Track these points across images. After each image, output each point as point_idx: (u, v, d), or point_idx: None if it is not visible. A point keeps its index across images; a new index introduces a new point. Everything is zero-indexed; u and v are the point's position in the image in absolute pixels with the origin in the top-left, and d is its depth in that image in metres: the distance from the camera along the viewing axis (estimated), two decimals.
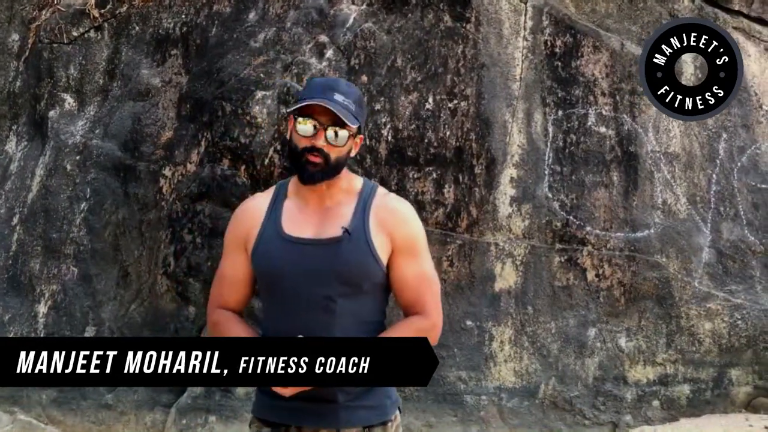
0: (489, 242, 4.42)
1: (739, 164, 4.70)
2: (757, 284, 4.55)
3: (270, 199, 2.01)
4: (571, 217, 4.46)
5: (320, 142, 1.86)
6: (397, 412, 2.00)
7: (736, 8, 4.92)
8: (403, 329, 1.93)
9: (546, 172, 4.52)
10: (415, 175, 4.41)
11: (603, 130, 4.61)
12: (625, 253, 4.46)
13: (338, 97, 1.87)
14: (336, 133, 1.87)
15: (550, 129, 4.59)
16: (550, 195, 4.49)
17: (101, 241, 4.46)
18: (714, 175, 4.65)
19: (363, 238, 1.89)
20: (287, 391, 1.79)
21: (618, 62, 4.72)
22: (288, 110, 1.95)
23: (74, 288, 4.41)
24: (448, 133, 4.47)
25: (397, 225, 1.95)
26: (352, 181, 2.01)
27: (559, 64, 4.69)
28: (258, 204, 2.02)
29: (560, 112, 4.62)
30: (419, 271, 1.97)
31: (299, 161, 1.89)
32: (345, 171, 1.99)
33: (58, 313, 4.40)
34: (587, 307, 4.42)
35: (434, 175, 4.42)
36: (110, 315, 4.39)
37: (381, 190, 2.02)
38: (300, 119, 1.88)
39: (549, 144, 4.57)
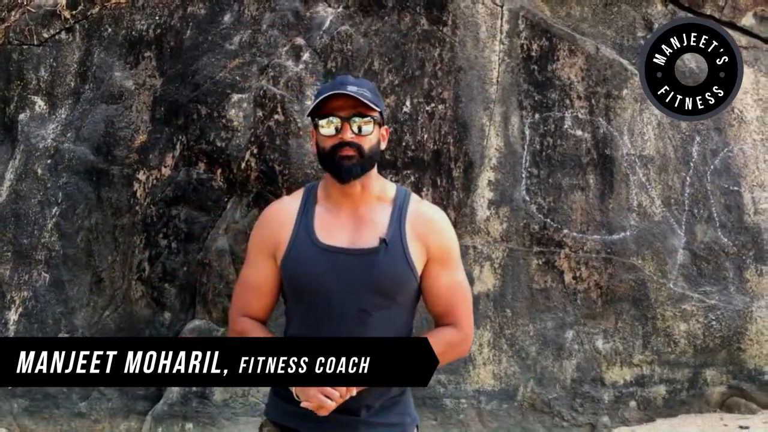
0: (467, 245, 4.42)
1: (712, 167, 4.76)
2: (730, 285, 4.61)
3: (299, 203, 1.93)
4: (549, 220, 4.48)
5: (348, 135, 1.82)
6: (415, 430, 1.96)
7: (708, 13, 4.99)
8: (434, 341, 1.89)
9: (523, 175, 4.54)
10: (393, 179, 4.39)
11: (579, 133, 4.64)
12: (601, 255, 4.49)
13: (351, 88, 1.84)
14: (361, 123, 1.84)
15: (527, 132, 4.61)
16: (527, 198, 4.51)
17: (73, 246, 4.38)
18: (688, 178, 4.71)
19: (400, 248, 1.85)
20: (323, 411, 1.73)
21: (593, 66, 4.75)
22: (308, 114, 1.89)
23: (46, 294, 4.32)
24: (425, 136, 4.46)
25: (433, 234, 1.91)
26: (385, 187, 1.96)
27: (536, 67, 4.72)
28: (287, 208, 1.94)
29: (537, 116, 4.64)
30: (454, 282, 1.94)
31: (332, 161, 1.84)
32: (377, 174, 1.96)
33: (29, 320, 4.30)
34: (565, 309, 4.44)
35: (412, 179, 4.42)
36: (83, 322, 4.31)
37: (414, 197, 1.98)
38: (321, 122, 1.84)
39: (526, 147, 4.59)
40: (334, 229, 1.86)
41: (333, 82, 1.92)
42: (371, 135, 1.86)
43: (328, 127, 1.84)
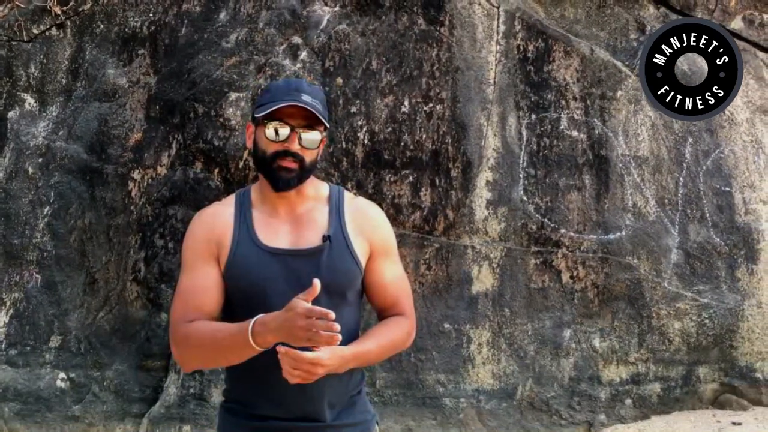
0: (466, 245, 4.43)
1: (704, 167, 4.83)
2: (722, 284, 4.69)
3: (233, 209, 1.88)
4: (546, 220, 4.51)
5: (295, 146, 1.78)
6: (376, 427, 1.97)
7: (699, 16, 5.07)
8: (393, 331, 1.91)
9: (521, 176, 4.56)
10: (392, 179, 4.39)
11: (575, 134, 4.68)
12: (598, 255, 4.53)
13: (305, 97, 1.80)
14: (309, 136, 1.80)
15: (524, 133, 4.64)
16: (525, 198, 4.54)
17: (66, 246, 4.30)
18: (681, 179, 4.77)
19: (344, 244, 1.85)
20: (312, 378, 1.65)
21: (588, 67, 4.80)
22: (258, 115, 1.80)
23: (38, 296, 4.24)
24: (424, 136, 4.46)
25: (374, 229, 1.93)
26: (319, 187, 1.95)
27: (532, 68, 4.75)
28: (222, 212, 1.88)
29: (533, 116, 4.67)
30: (397, 274, 1.98)
31: (271, 168, 1.80)
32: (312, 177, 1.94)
33: (20, 322, 4.22)
34: (562, 308, 4.48)
35: (411, 179, 4.41)
36: (77, 323, 4.24)
37: (348, 194, 1.99)
38: (270, 124, 1.78)
39: (523, 147, 4.62)
40: (275, 232, 1.84)
41: (286, 85, 1.87)
42: (315, 149, 1.84)
43: (275, 131, 1.78)
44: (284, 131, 1.78)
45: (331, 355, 1.65)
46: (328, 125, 1.85)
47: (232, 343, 1.65)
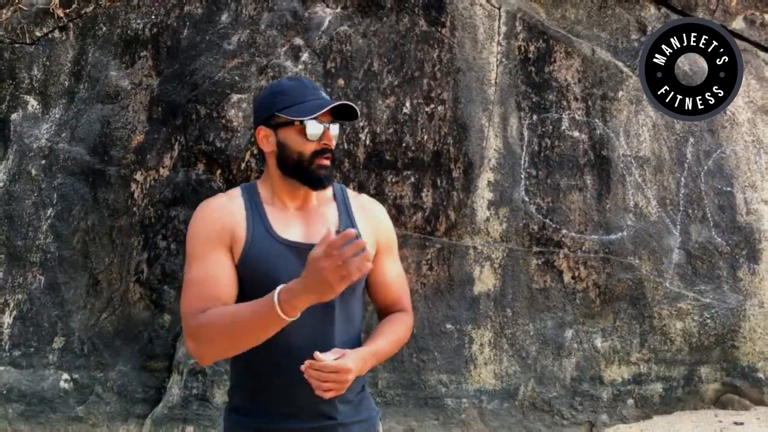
0: (467, 246, 4.44)
1: (705, 168, 4.83)
2: (724, 284, 4.69)
3: (242, 201, 1.86)
4: (548, 220, 4.52)
5: (333, 143, 1.84)
6: (380, 423, 1.99)
7: (700, 16, 5.07)
8: (400, 327, 1.94)
9: (522, 176, 4.57)
10: (394, 179, 4.40)
11: (576, 134, 4.69)
12: (599, 255, 4.54)
13: (325, 94, 1.87)
14: (336, 131, 1.86)
15: (526, 133, 4.65)
16: (526, 198, 4.54)
17: (69, 248, 4.32)
18: (682, 179, 4.77)
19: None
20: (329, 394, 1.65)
21: (589, 68, 4.80)
22: (304, 118, 1.78)
23: (41, 297, 4.26)
24: (425, 137, 4.47)
25: (380, 225, 1.97)
26: None
27: (533, 69, 4.75)
28: (230, 203, 1.85)
29: (535, 117, 4.68)
30: (399, 271, 2.02)
31: (308, 168, 1.81)
32: None
33: (24, 323, 4.23)
34: (564, 308, 4.48)
35: (412, 179, 4.43)
36: (80, 324, 4.25)
37: (350, 191, 2.01)
38: (308, 123, 1.79)
39: (525, 148, 4.62)
40: (288, 226, 1.84)
41: (300, 83, 1.88)
42: (336, 142, 1.90)
43: (316, 127, 1.80)
44: (320, 129, 1.81)
45: (353, 358, 1.68)
46: (359, 116, 1.91)
47: (257, 321, 1.59)
